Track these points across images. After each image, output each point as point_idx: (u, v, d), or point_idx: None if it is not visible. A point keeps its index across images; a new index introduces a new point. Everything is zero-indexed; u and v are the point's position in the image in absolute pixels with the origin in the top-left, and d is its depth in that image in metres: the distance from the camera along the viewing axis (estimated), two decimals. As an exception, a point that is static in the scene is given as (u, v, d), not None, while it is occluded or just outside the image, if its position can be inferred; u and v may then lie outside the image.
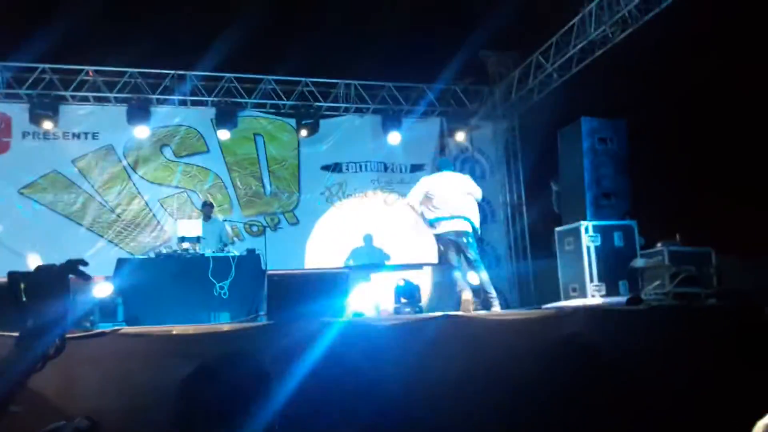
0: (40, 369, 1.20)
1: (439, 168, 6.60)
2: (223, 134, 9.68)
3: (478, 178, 10.74)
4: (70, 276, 1.25)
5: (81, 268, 1.28)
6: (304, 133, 9.99)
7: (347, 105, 10.38)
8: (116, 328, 3.35)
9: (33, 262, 8.21)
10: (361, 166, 10.50)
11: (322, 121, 10.11)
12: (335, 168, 10.42)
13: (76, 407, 3.20)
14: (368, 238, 9.31)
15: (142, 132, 9.33)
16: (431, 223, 6.20)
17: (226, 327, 3.73)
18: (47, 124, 9.06)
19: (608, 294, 6.54)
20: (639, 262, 6.38)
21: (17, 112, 9.11)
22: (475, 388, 3.60)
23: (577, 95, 9.09)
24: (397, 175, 10.61)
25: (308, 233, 10.04)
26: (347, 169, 10.47)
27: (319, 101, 10.09)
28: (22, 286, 1.20)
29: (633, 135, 7.86)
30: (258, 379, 1.27)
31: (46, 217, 9.10)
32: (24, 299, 1.20)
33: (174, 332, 3.19)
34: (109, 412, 3.15)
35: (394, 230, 9.98)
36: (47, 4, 7.86)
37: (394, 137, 10.24)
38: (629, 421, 3.01)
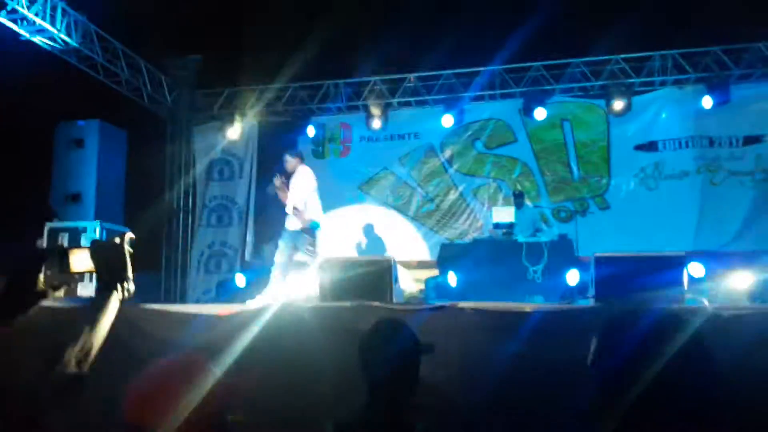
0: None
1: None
2: (540, 113, 9.53)
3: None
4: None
5: (127, 249, 1.67)
6: (616, 111, 9.45)
7: (664, 78, 9.53)
8: (454, 303, 3.76)
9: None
10: (680, 143, 9.52)
11: (634, 98, 9.48)
12: (650, 147, 9.66)
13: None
14: (689, 222, 8.43)
15: (447, 121, 9.89)
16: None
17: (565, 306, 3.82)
18: (379, 127, 10.38)
19: None
20: None
21: (355, 121, 10.72)
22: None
23: None
24: (726, 149, 9.33)
25: (620, 218, 9.51)
26: (664, 147, 9.61)
27: (632, 77, 9.49)
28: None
29: None
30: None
31: (379, 210, 10.53)
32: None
33: (514, 309, 3.43)
34: (446, 382, 3.53)
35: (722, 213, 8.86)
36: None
37: (708, 102, 9.03)
38: None
